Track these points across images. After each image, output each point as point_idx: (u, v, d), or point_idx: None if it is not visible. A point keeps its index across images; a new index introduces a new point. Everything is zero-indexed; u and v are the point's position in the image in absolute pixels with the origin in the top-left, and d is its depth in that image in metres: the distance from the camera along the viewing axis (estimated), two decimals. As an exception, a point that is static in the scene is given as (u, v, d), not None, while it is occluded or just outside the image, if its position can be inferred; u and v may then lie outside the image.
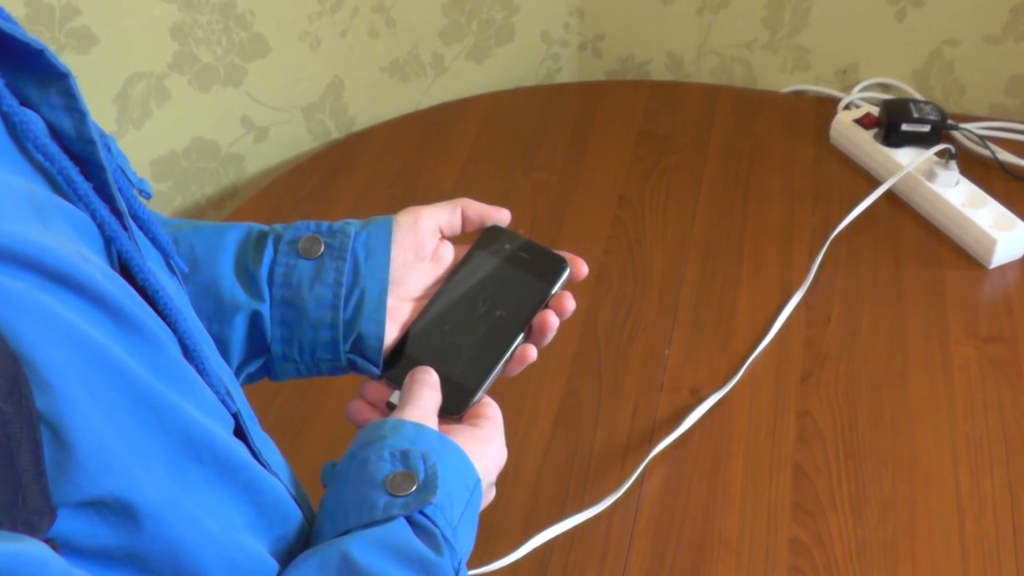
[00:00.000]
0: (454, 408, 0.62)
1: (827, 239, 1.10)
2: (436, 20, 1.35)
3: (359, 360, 0.65)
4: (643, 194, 1.19)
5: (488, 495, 0.61)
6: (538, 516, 0.86)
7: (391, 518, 0.52)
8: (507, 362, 0.65)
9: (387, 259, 0.65)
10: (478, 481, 0.57)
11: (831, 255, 1.09)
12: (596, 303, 1.06)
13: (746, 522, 0.85)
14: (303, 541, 0.53)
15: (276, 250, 0.64)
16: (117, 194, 0.46)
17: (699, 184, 1.20)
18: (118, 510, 0.39)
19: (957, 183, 1.12)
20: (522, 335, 0.65)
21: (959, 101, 1.31)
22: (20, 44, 0.43)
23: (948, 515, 0.85)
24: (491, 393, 0.64)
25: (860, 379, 0.97)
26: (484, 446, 0.60)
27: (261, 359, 0.65)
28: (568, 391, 0.97)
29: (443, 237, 0.69)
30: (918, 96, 1.30)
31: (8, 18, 0.45)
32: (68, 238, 0.41)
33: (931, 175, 1.12)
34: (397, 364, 0.65)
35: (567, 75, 1.49)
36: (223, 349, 0.63)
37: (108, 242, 0.45)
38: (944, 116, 1.17)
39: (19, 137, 0.42)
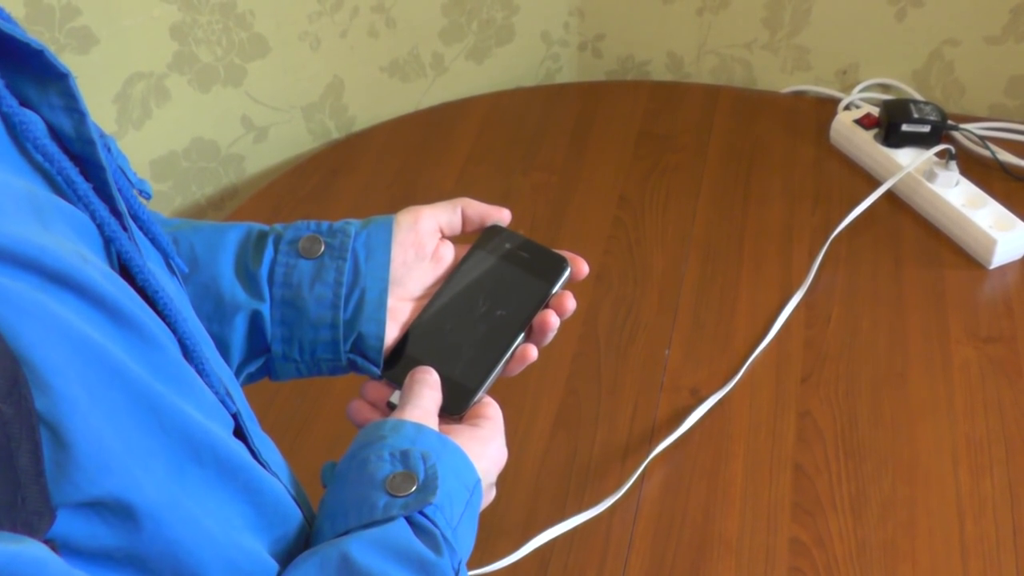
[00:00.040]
0: (454, 408, 0.62)
1: (827, 239, 1.10)
2: (436, 20, 1.35)
3: (359, 360, 0.65)
4: (643, 194, 1.19)
5: (488, 495, 0.61)
6: (538, 516, 0.86)
7: (391, 518, 0.52)
8: (507, 362, 0.65)
9: (387, 259, 0.65)
10: (478, 481, 0.57)
11: (831, 255, 1.09)
12: (596, 303, 1.06)
13: (746, 522, 0.85)
14: (303, 541, 0.53)
15: (276, 250, 0.64)
16: (117, 194, 0.46)
17: (699, 184, 1.20)
18: (117, 511, 0.39)
19: (957, 183, 1.12)
20: (522, 335, 0.65)
21: (959, 101, 1.31)
22: (20, 44, 0.43)
23: (948, 515, 0.85)
24: (491, 393, 0.64)
25: (860, 379, 0.96)
26: (484, 446, 0.60)
27: (261, 359, 0.65)
28: (568, 391, 0.97)
29: (443, 237, 0.69)
30: (918, 96, 1.30)
31: (8, 18, 0.45)
32: (68, 239, 0.41)
33: (931, 175, 1.12)
34: (397, 364, 0.65)
35: (567, 75, 1.49)
36: (223, 349, 0.63)
37: (108, 242, 0.45)
38: (944, 116, 1.17)
39: (19, 137, 0.42)
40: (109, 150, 0.50)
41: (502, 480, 0.63)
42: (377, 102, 1.37)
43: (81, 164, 0.45)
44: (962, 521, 0.84)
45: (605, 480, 0.89)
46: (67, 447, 0.36)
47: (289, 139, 1.34)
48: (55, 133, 0.45)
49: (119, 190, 0.47)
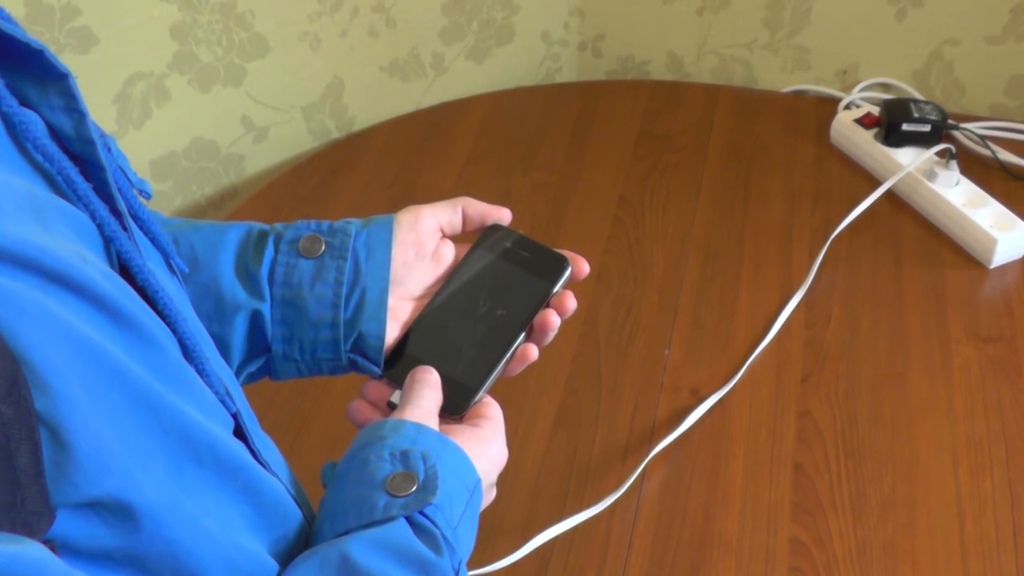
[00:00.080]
0: (455, 408, 0.62)
1: (827, 239, 1.10)
2: (436, 20, 1.35)
3: (360, 359, 0.65)
4: (643, 194, 1.19)
5: (488, 495, 0.61)
6: (538, 516, 0.86)
7: (391, 518, 0.52)
8: (508, 361, 0.65)
9: (388, 258, 0.65)
10: (478, 481, 0.57)
11: (831, 255, 1.09)
12: (596, 303, 1.06)
13: (746, 522, 0.85)
14: (303, 541, 0.53)
15: (277, 249, 0.64)
16: (117, 194, 0.46)
17: (699, 184, 1.20)
18: (117, 511, 0.39)
19: (957, 183, 1.12)
20: (523, 334, 0.65)
21: (959, 101, 1.31)
22: (20, 44, 0.43)
23: (948, 515, 0.85)
24: (491, 393, 0.64)
25: (860, 379, 0.96)
26: (484, 446, 0.60)
27: (262, 359, 0.65)
28: (568, 391, 0.97)
29: (444, 236, 0.69)
30: (918, 96, 1.30)
31: (8, 18, 0.45)
32: (67, 239, 0.41)
33: (931, 175, 1.12)
34: (398, 363, 0.65)
35: (567, 75, 1.49)
36: (223, 349, 0.63)
37: (108, 242, 0.45)
38: (944, 116, 1.17)
39: (19, 138, 0.42)
40: (109, 150, 0.50)
41: (502, 480, 0.63)
42: (377, 102, 1.37)
43: (81, 164, 0.45)
44: (962, 521, 0.84)
45: (605, 480, 0.89)
46: (67, 447, 0.36)
47: (289, 139, 1.34)
48: (55, 133, 0.45)
49: (119, 190, 0.47)
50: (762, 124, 1.29)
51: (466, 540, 0.55)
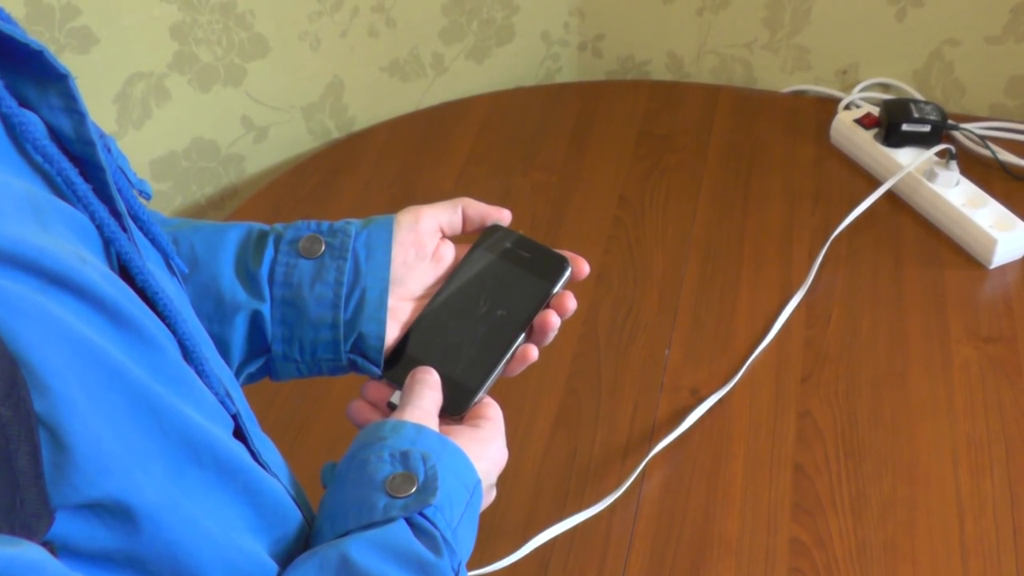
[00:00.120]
0: (455, 408, 0.62)
1: (827, 239, 1.10)
2: (436, 20, 1.35)
3: (360, 360, 0.65)
4: (643, 194, 1.19)
5: (488, 496, 0.61)
6: (538, 516, 0.86)
7: (391, 519, 0.52)
8: (508, 362, 0.65)
9: (388, 258, 0.65)
10: (478, 482, 0.57)
11: (831, 255, 1.09)
12: (596, 303, 1.06)
13: (746, 522, 0.85)
14: (303, 542, 0.53)
15: (277, 250, 0.64)
16: (116, 195, 0.46)
17: (699, 184, 1.20)
18: (116, 512, 0.39)
19: (957, 183, 1.12)
20: (523, 335, 0.65)
21: (959, 101, 1.31)
22: (19, 45, 0.43)
23: (948, 515, 0.85)
24: (491, 393, 0.64)
25: (860, 379, 0.96)
26: (484, 447, 0.60)
27: (262, 359, 0.65)
28: (568, 391, 0.97)
29: (444, 236, 0.69)
30: (918, 96, 1.30)
31: (7, 19, 0.45)
32: (67, 240, 0.41)
33: (931, 175, 1.12)
34: (398, 364, 0.65)
35: (567, 75, 1.49)
36: (223, 349, 0.63)
37: (107, 243, 0.45)
38: (944, 116, 1.17)
39: (18, 139, 0.42)
40: (109, 151, 0.50)
41: (502, 480, 0.63)
42: (377, 102, 1.37)
43: (81, 165, 0.45)
44: (962, 521, 0.84)
45: (605, 480, 0.89)
46: (66, 449, 0.36)
47: (289, 139, 1.34)
48: (55, 134, 0.45)
49: (119, 191, 0.47)
50: (762, 124, 1.29)
51: (466, 541, 0.55)
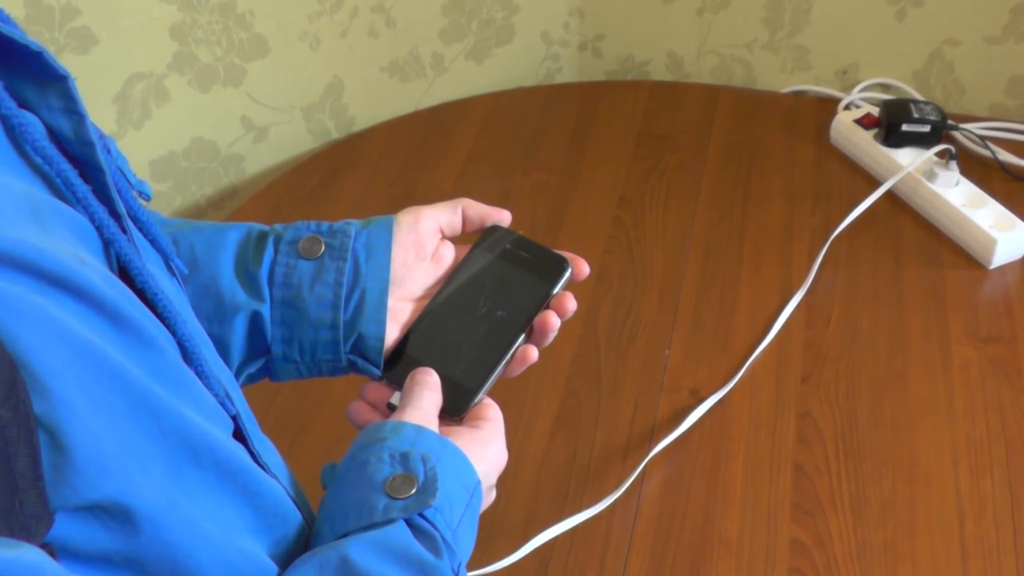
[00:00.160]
0: (455, 409, 0.62)
1: (827, 239, 1.10)
2: (436, 20, 1.35)
3: (359, 361, 0.65)
4: (643, 194, 1.19)
5: (488, 497, 0.61)
6: (538, 516, 0.86)
7: (390, 521, 0.52)
8: (508, 363, 0.65)
9: (388, 259, 0.65)
10: (478, 483, 0.57)
11: (831, 255, 1.09)
12: (596, 303, 1.06)
13: (746, 522, 0.85)
14: (302, 543, 0.53)
15: (276, 250, 0.64)
16: (116, 196, 0.46)
17: (699, 184, 1.20)
18: (116, 514, 0.39)
19: (957, 183, 1.12)
20: (523, 336, 0.65)
21: (959, 101, 1.31)
22: (19, 46, 0.43)
23: (948, 515, 0.85)
24: (491, 394, 0.64)
25: (860, 379, 0.96)
26: (484, 448, 0.60)
27: (261, 360, 0.65)
28: (568, 391, 0.97)
29: (444, 237, 0.69)
30: (918, 96, 1.30)
31: (7, 20, 0.45)
32: (66, 241, 0.41)
33: (931, 175, 1.12)
34: (398, 365, 0.65)
35: (567, 75, 1.49)
36: (223, 350, 0.63)
37: (107, 245, 0.45)
38: (944, 116, 1.17)
39: (18, 140, 0.42)
40: (109, 152, 0.50)
41: (502, 480, 0.63)
42: (377, 102, 1.37)
43: (80, 166, 0.45)
44: (962, 521, 0.84)
45: (605, 480, 0.89)
46: (65, 451, 0.36)
47: (289, 139, 1.34)
48: (54, 135, 0.45)
49: (118, 192, 0.47)
50: (762, 124, 1.29)
51: (466, 542, 0.55)
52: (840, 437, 0.91)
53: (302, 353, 0.64)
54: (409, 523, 0.52)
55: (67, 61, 1.10)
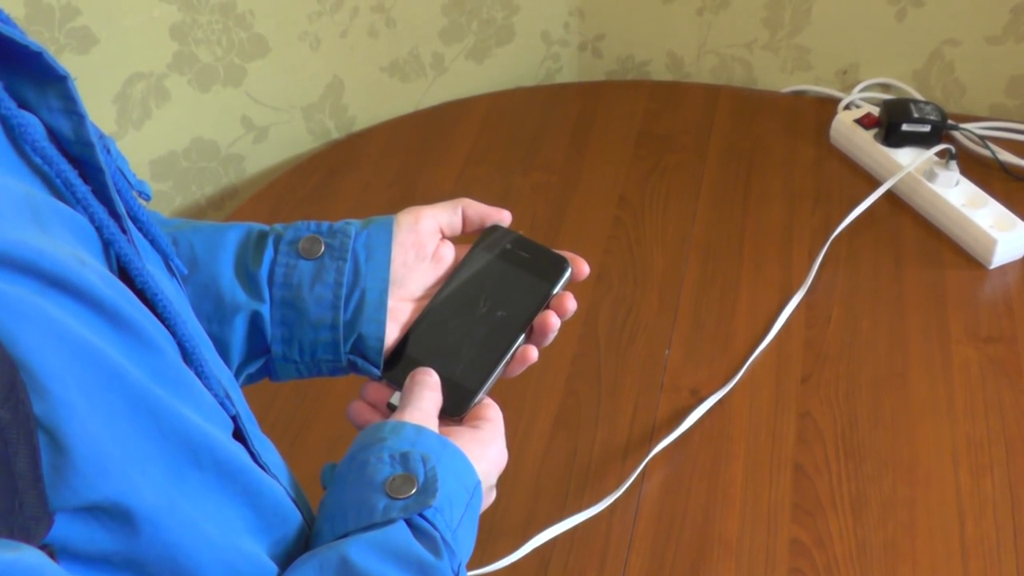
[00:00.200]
0: (455, 409, 0.62)
1: (827, 239, 1.09)
2: (436, 20, 1.35)
3: (359, 361, 0.65)
4: (643, 194, 1.19)
5: (488, 497, 0.61)
6: (538, 516, 0.86)
7: (390, 521, 0.52)
8: (508, 363, 0.65)
9: (388, 259, 0.65)
10: (478, 483, 0.57)
11: (831, 255, 1.09)
12: (596, 303, 1.06)
13: (746, 523, 0.85)
14: (302, 543, 0.53)
15: (276, 250, 0.64)
16: (116, 197, 0.46)
17: (699, 184, 1.20)
18: (116, 515, 0.39)
19: (957, 183, 1.12)
20: (523, 336, 0.65)
21: (959, 101, 1.31)
22: (19, 47, 0.43)
23: (948, 516, 0.85)
24: (491, 394, 0.64)
25: (860, 380, 0.96)
26: (484, 448, 0.60)
27: (261, 360, 0.65)
28: (568, 392, 0.97)
29: (444, 237, 0.69)
30: (918, 96, 1.30)
31: (7, 20, 0.45)
32: (66, 242, 0.41)
33: (931, 175, 1.12)
34: (397, 365, 0.65)
35: (567, 75, 1.49)
36: (223, 350, 0.63)
37: (107, 245, 0.45)
38: (944, 116, 1.16)
39: (17, 140, 0.42)
40: (108, 152, 0.50)
41: (502, 480, 0.63)
42: (377, 102, 1.37)
43: (80, 166, 0.45)
44: (962, 522, 0.84)
45: (605, 480, 0.89)
46: (65, 452, 0.36)
47: (289, 139, 1.34)
48: (54, 135, 0.45)
49: (118, 192, 0.47)
50: (762, 124, 1.28)
51: (466, 542, 0.55)
52: (840, 437, 0.91)
53: (302, 353, 0.64)
54: (409, 523, 0.52)
55: (67, 61, 1.10)
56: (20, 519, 0.35)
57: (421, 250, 0.67)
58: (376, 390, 0.65)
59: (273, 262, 0.64)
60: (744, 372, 0.97)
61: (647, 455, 0.89)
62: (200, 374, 0.47)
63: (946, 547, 0.83)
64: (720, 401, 0.95)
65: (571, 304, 0.66)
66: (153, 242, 0.51)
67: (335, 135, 1.37)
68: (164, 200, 1.27)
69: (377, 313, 0.64)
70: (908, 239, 1.11)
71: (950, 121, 1.18)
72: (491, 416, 0.62)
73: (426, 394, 0.61)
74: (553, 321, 0.65)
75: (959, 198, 1.10)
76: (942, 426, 0.92)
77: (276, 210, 1.21)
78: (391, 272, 0.65)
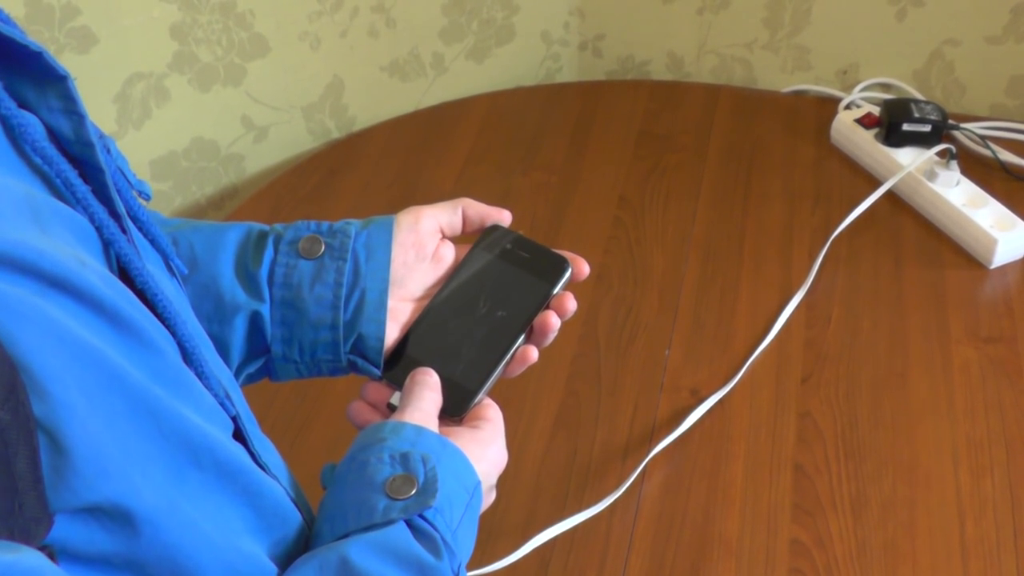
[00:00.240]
0: (455, 410, 0.62)
1: (827, 239, 1.09)
2: (436, 20, 1.35)
3: (359, 361, 0.65)
4: (643, 194, 1.19)
5: (488, 498, 0.61)
6: (538, 516, 0.86)
7: (390, 521, 0.52)
8: (508, 363, 0.64)
9: (388, 259, 0.65)
10: (478, 484, 0.57)
11: (831, 255, 1.09)
12: (596, 304, 1.05)
13: (746, 523, 0.85)
14: (302, 544, 0.53)
15: (276, 250, 0.64)
16: (116, 197, 0.46)
17: (699, 184, 1.20)
18: (116, 516, 0.39)
19: (958, 183, 1.12)
20: (523, 336, 0.65)
21: (960, 101, 1.31)
22: (19, 47, 0.43)
23: (948, 516, 0.85)
24: (491, 394, 0.64)
25: (860, 380, 0.96)
26: (484, 448, 0.60)
27: (261, 360, 0.65)
28: (568, 392, 0.97)
29: (444, 237, 0.69)
30: (919, 96, 1.30)
31: (7, 20, 0.45)
32: (66, 242, 0.40)
33: (932, 175, 1.12)
34: (397, 365, 0.65)
35: (567, 75, 1.48)
36: (223, 349, 0.63)
37: (107, 245, 0.45)
38: (945, 116, 1.16)
39: (17, 140, 0.42)
40: (108, 152, 0.50)
41: (502, 480, 0.63)
42: (377, 102, 1.37)
43: (80, 166, 0.45)
44: (962, 522, 0.84)
45: (605, 480, 0.89)
46: (65, 453, 0.36)
47: (289, 139, 1.34)
48: (54, 135, 0.45)
49: (118, 192, 0.47)
50: (762, 124, 1.28)
51: (466, 543, 0.55)
52: (840, 437, 0.91)
53: (302, 353, 0.64)
54: (409, 524, 0.52)
55: (67, 61, 1.10)
56: (20, 520, 0.35)
57: (421, 250, 0.67)
58: (376, 390, 0.65)
59: (273, 262, 0.64)
60: (744, 372, 0.97)
61: (647, 455, 0.89)
62: (200, 374, 0.47)
63: (946, 547, 0.83)
64: (720, 401, 0.95)
65: (571, 304, 0.66)
66: (153, 242, 0.51)
67: (335, 135, 1.37)
68: (164, 200, 1.27)
69: (377, 313, 0.64)
70: (908, 239, 1.11)
71: (950, 121, 1.18)
72: (491, 416, 0.62)
73: (426, 394, 0.61)
74: (553, 321, 0.65)
75: (959, 198, 1.10)
76: (942, 426, 0.92)
77: (276, 210, 1.21)
78: (391, 272, 0.65)
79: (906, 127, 1.16)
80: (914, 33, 1.28)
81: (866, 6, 1.28)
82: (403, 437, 0.56)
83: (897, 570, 0.81)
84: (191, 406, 0.44)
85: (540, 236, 1.12)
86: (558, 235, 1.14)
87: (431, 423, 0.59)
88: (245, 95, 1.27)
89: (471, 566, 0.79)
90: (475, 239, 0.69)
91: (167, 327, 0.46)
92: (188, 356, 0.47)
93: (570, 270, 0.67)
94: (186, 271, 0.61)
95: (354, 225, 0.66)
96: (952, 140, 1.21)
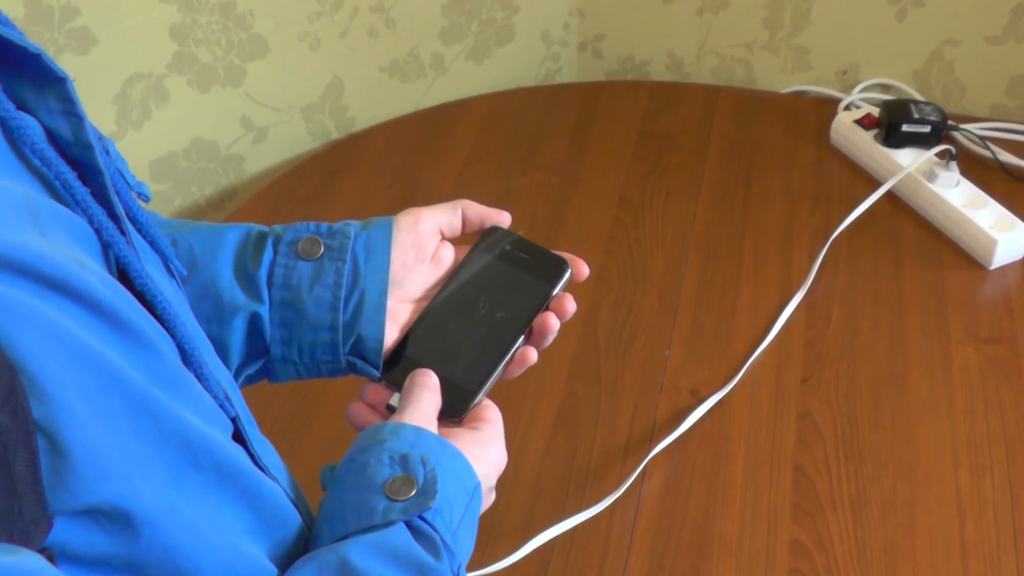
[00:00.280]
0: (454, 411, 0.62)
1: (827, 240, 1.09)
2: (436, 20, 1.35)
3: (359, 362, 0.65)
4: (643, 194, 1.19)
5: (488, 499, 0.61)
6: (538, 517, 0.86)
7: (390, 523, 0.52)
8: (507, 364, 0.64)
9: (387, 260, 0.65)
10: (478, 485, 0.57)
11: (831, 256, 1.09)
12: (596, 304, 1.05)
13: (746, 523, 0.85)
14: (302, 545, 0.53)
15: (275, 251, 0.64)
16: (115, 198, 0.46)
17: (699, 184, 1.20)
18: (115, 518, 0.39)
19: (957, 184, 1.12)
20: (522, 337, 0.65)
21: (959, 102, 1.31)
22: (17, 48, 0.43)
23: (948, 516, 0.85)
24: (490, 395, 0.64)
25: (860, 380, 0.96)
26: (484, 449, 0.60)
27: (260, 361, 0.65)
28: (568, 392, 0.97)
29: (443, 238, 0.69)
30: (918, 97, 1.30)
31: (5, 21, 0.45)
32: (65, 244, 0.40)
33: (931, 176, 1.12)
34: (397, 366, 0.65)
35: (567, 75, 1.48)
36: (222, 351, 0.63)
37: (106, 247, 0.45)
38: (944, 117, 1.16)
39: (16, 142, 0.42)
40: (107, 153, 0.50)
41: (502, 481, 0.63)
42: (377, 102, 1.37)
43: (79, 168, 0.45)
44: (962, 522, 0.84)
45: (605, 480, 0.89)
46: (65, 455, 0.36)
47: (289, 139, 1.34)
48: (53, 137, 0.45)
49: (117, 193, 0.47)
50: (762, 125, 1.28)
51: (465, 544, 0.55)
52: (840, 438, 0.91)
53: (301, 354, 0.64)
54: (409, 525, 0.52)
55: (67, 61, 1.10)
56: (19, 522, 0.35)
57: (421, 251, 0.67)
58: (375, 391, 0.65)
59: (272, 263, 0.64)
60: (744, 372, 0.97)
61: (647, 455, 0.89)
62: (199, 376, 0.47)
63: (946, 548, 0.83)
64: (720, 401, 0.95)
65: (571, 305, 0.66)
66: (152, 243, 0.51)
67: (335, 135, 1.37)
68: (164, 201, 1.27)
69: (376, 314, 0.64)
70: (908, 240, 1.11)
71: (950, 122, 1.18)
72: (490, 417, 0.62)
73: (425, 395, 0.61)
74: (553, 322, 0.65)
75: (959, 199, 1.10)
76: (942, 427, 0.92)
77: (276, 211, 1.21)
78: (390, 273, 0.65)
79: (906, 128, 1.15)
80: (914, 33, 1.28)
81: (866, 6, 1.28)
82: (402, 438, 0.56)
83: (897, 570, 0.81)
84: (190, 407, 0.44)
85: (540, 236, 1.12)
86: (558, 235, 1.14)
87: (430, 424, 0.59)
88: (245, 96, 1.27)
89: (471, 567, 0.79)
90: (474, 240, 0.69)
91: (166, 329, 0.46)
92: (187, 358, 0.47)
93: (569, 271, 0.67)
94: (185, 272, 0.61)
95: (353, 226, 0.66)
96: (952, 141, 1.21)
